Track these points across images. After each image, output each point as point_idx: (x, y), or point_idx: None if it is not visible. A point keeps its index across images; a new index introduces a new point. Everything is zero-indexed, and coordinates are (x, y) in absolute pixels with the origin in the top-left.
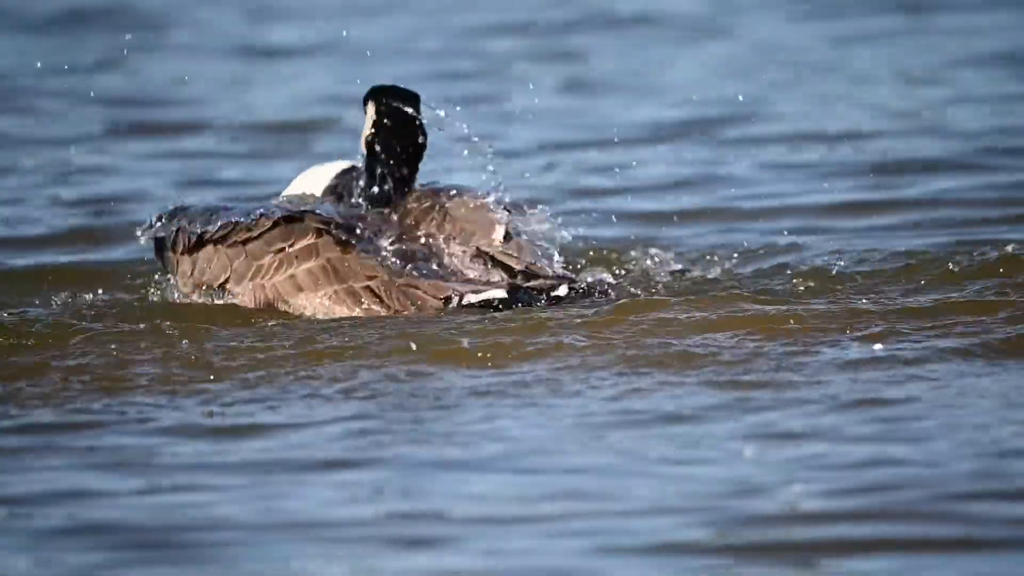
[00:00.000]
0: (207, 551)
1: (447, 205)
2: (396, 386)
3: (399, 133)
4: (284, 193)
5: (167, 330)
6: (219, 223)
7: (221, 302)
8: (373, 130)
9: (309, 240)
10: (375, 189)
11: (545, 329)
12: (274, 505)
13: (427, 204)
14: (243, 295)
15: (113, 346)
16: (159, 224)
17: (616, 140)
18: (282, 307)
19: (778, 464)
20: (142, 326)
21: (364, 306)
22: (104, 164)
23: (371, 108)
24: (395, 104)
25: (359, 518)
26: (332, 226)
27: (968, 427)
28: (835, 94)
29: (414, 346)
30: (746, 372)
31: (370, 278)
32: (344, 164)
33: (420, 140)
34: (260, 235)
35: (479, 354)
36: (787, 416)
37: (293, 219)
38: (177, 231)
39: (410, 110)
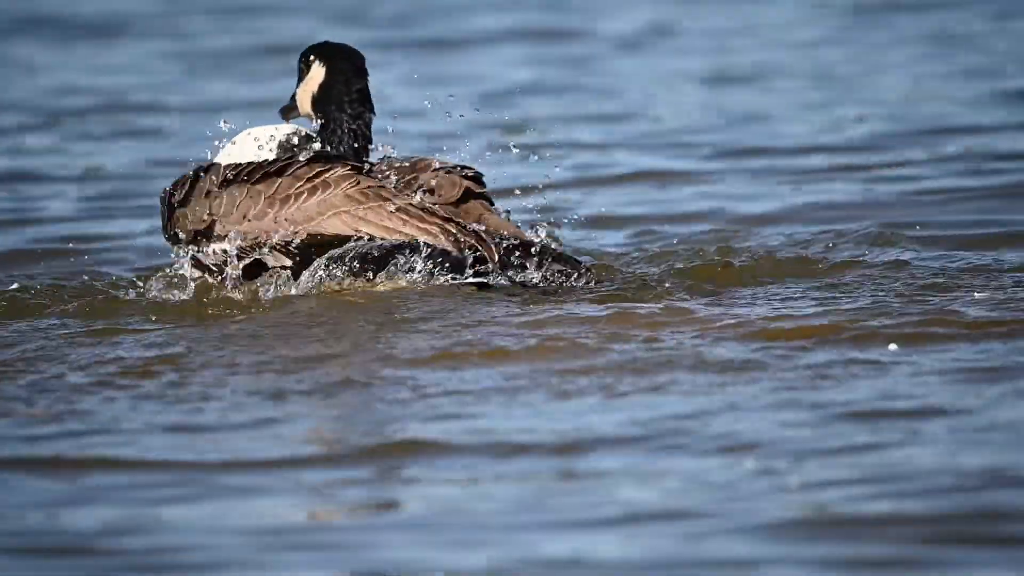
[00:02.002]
0: (164, 559)
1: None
2: (374, 386)
3: (355, 95)
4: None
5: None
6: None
7: (225, 249)
8: (319, 91)
9: (345, 170)
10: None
11: (538, 324)
12: (236, 510)
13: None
14: (266, 231)
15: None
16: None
17: (614, 139)
18: (310, 234)
19: (779, 469)
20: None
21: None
22: None
23: (319, 67)
24: (348, 64)
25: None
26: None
27: (980, 435)
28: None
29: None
30: (751, 375)
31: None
32: (287, 128)
33: (373, 107)
34: (292, 171)
35: (464, 352)
36: (792, 418)
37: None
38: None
39: (362, 72)
